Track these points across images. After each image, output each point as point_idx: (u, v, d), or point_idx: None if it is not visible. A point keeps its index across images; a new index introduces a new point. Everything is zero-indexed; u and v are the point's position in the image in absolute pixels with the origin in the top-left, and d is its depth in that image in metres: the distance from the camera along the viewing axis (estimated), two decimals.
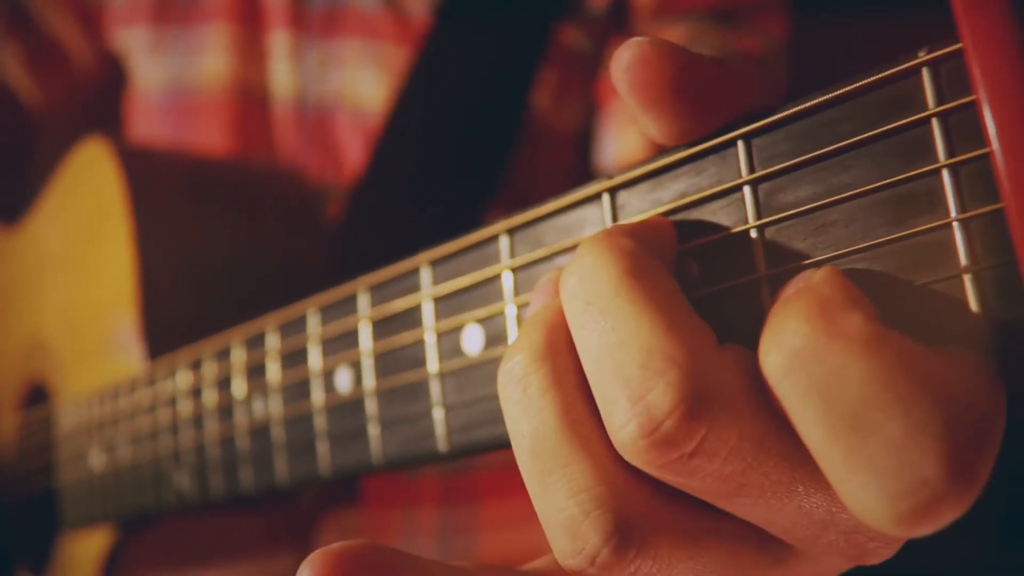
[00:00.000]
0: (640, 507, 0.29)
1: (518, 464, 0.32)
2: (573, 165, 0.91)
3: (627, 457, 0.28)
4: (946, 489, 0.23)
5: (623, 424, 0.28)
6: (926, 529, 0.24)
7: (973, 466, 0.24)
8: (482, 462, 0.85)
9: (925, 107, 0.27)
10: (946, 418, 0.24)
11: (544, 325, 0.32)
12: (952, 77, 0.27)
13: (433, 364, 0.41)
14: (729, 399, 0.27)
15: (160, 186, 0.75)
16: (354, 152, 0.88)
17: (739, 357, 0.29)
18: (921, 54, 0.27)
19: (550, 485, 0.30)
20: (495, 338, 0.39)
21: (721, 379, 0.27)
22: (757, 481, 0.28)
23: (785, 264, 0.30)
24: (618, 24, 0.89)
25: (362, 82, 0.88)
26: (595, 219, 0.36)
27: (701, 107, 0.31)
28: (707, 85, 0.31)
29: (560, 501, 0.30)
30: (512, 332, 0.38)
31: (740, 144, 0.31)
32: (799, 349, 0.26)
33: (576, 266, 0.30)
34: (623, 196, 0.35)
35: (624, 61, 0.30)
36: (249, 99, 0.91)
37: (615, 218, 0.35)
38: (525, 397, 0.31)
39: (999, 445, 0.25)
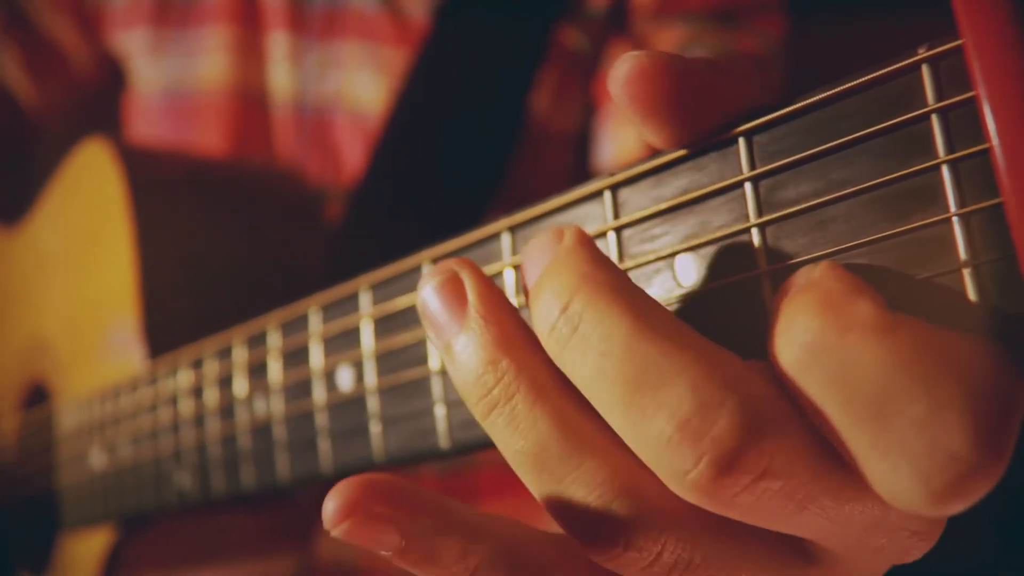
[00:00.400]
0: (657, 492, 0.30)
1: (523, 481, 0.32)
2: (572, 166, 0.91)
3: (695, 499, 0.28)
4: (976, 461, 0.24)
5: (692, 466, 0.27)
6: (960, 505, 0.25)
7: (1000, 436, 0.24)
8: (481, 462, 0.85)
9: (925, 103, 0.27)
10: (968, 392, 0.24)
11: (496, 346, 0.31)
12: (952, 73, 0.27)
13: (435, 361, 0.41)
14: (780, 411, 0.27)
15: (161, 186, 0.75)
16: (353, 154, 0.88)
17: (762, 367, 0.28)
18: (921, 51, 0.27)
19: (565, 490, 0.30)
20: None
21: (766, 394, 0.27)
22: (820, 490, 0.27)
23: (786, 260, 0.30)
24: (618, 25, 0.89)
25: (361, 84, 0.88)
26: (597, 216, 0.36)
27: (700, 111, 0.31)
28: (705, 90, 0.31)
29: (580, 500, 0.30)
30: None
31: (741, 141, 0.31)
32: (811, 344, 0.26)
33: (567, 318, 0.29)
34: (624, 193, 0.35)
35: (622, 75, 0.30)
36: (248, 101, 0.91)
37: (616, 215, 0.35)
38: (514, 417, 0.31)
39: (1021, 416, 0.25)
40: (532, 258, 0.32)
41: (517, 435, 0.31)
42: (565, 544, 0.33)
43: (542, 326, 0.30)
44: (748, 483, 0.27)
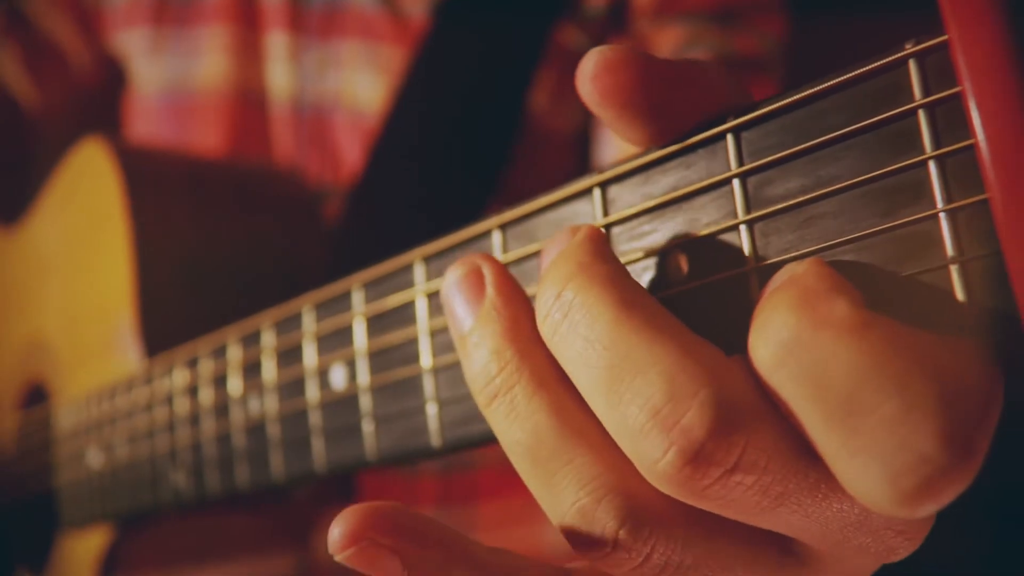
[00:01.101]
0: (649, 492, 0.30)
1: (517, 470, 0.32)
2: (573, 166, 0.91)
3: (668, 489, 0.28)
4: (946, 464, 0.23)
5: (661, 455, 0.27)
6: (930, 507, 0.24)
7: (971, 440, 0.24)
8: (480, 462, 0.85)
9: (912, 99, 0.27)
10: (941, 394, 0.24)
11: (502, 336, 0.32)
12: (938, 69, 0.27)
13: (427, 360, 0.41)
14: (756, 407, 0.27)
15: (159, 185, 0.75)
16: (352, 153, 0.88)
17: (743, 362, 0.28)
18: (908, 46, 0.27)
19: (556, 484, 0.31)
20: None
21: (742, 389, 0.27)
22: (795, 487, 0.27)
23: (774, 257, 0.30)
24: (617, 25, 0.89)
25: (360, 83, 0.88)
26: (586, 213, 0.36)
27: (672, 108, 0.32)
28: (673, 85, 0.31)
29: (570, 496, 0.30)
30: None
31: (729, 137, 0.31)
32: (787, 340, 0.26)
33: (560, 305, 0.30)
34: (614, 190, 0.35)
35: (589, 71, 0.31)
36: (247, 100, 0.91)
37: (606, 212, 0.35)
38: (514, 407, 0.31)
39: (996, 419, 0.25)
40: (547, 252, 0.33)
41: (515, 425, 0.31)
42: None
43: (539, 313, 0.31)
44: (719, 475, 0.27)
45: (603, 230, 0.33)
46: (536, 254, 0.38)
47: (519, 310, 0.33)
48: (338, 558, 0.31)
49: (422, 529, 0.31)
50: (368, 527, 0.31)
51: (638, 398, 0.27)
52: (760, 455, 0.27)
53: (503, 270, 0.34)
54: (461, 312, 0.34)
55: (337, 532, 0.31)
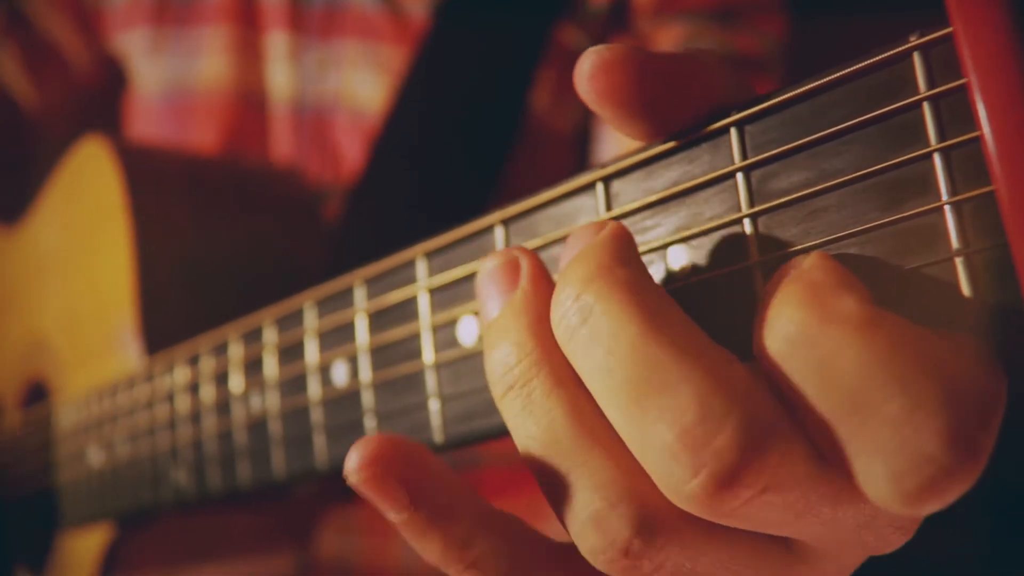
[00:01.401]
0: (662, 500, 0.29)
1: (528, 467, 0.32)
2: (572, 165, 0.91)
3: (692, 509, 0.27)
4: (949, 464, 0.23)
5: (690, 477, 0.26)
6: (934, 506, 0.24)
7: (975, 440, 0.24)
8: (485, 460, 0.85)
9: (916, 91, 0.27)
10: (945, 394, 0.24)
11: (527, 329, 0.31)
12: (943, 61, 0.27)
13: (429, 356, 0.41)
14: (783, 425, 0.26)
15: (159, 184, 0.75)
16: (352, 153, 0.88)
17: (766, 377, 0.28)
18: (912, 38, 0.27)
19: (569, 485, 0.30)
20: None
21: (769, 407, 0.26)
22: (817, 499, 0.27)
23: (778, 250, 0.30)
24: (618, 24, 0.89)
25: (361, 83, 0.88)
26: (589, 208, 0.36)
27: (671, 102, 0.31)
28: (671, 81, 0.31)
29: (583, 499, 0.29)
30: None
31: (733, 131, 0.31)
32: (793, 335, 0.26)
33: (579, 309, 0.29)
34: (617, 185, 0.35)
35: (586, 71, 0.30)
36: (248, 100, 0.91)
37: (609, 207, 0.35)
38: (530, 402, 0.31)
39: (1001, 418, 0.25)
40: (569, 246, 0.32)
41: (530, 420, 0.31)
42: (568, 555, 0.33)
43: (554, 313, 0.30)
44: (749, 497, 0.26)
45: (629, 229, 0.32)
46: (538, 249, 0.37)
47: (547, 306, 0.32)
48: (350, 481, 0.31)
49: (436, 470, 0.32)
50: (383, 456, 0.31)
51: (666, 415, 0.26)
52: (788, 473, 0.26)
53: (540, 265, 0.33)
54: (491, 301, 0.33)
55: (356, 455, 0.31)
